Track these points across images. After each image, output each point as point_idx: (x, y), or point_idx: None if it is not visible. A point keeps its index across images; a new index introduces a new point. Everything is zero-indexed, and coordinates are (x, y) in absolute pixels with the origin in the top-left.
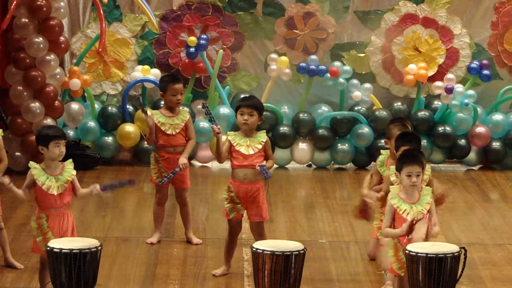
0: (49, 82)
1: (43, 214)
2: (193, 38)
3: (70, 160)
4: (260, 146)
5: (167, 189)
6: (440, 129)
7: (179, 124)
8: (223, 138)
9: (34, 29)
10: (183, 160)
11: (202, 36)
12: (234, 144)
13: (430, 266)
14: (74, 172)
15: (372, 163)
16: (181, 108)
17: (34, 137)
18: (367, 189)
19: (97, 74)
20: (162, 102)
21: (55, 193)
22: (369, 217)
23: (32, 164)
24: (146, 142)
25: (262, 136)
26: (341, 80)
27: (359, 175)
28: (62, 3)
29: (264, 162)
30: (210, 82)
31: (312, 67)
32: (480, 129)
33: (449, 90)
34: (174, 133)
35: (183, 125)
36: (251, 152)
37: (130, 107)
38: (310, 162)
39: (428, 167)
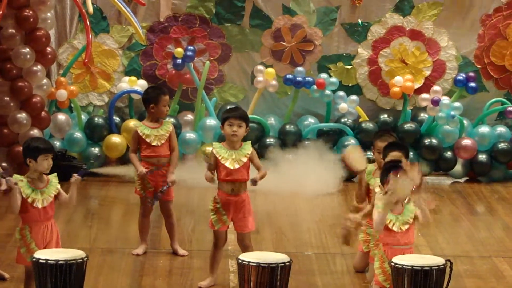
0: (35, 93)
1: (27, 225)
2: (180, 50)
3: (55, 174)
4: (245, 159)
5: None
6: (426, 141)
7: (164, 135)
8: (208, 148)
9: (21, 39)
10: (171, 177)
11: (189, 47)
12: (219, 158)
13: (416, 278)
14: (59, 186)
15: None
16: (164, 119)
17: (22, 148)
18: (353, 211)
19: (84, 85)
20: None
21: (40, 206)
22: (347, 242)
23: (17, 177)
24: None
25: (247, 148)
26: (327, 92)
27: (346, 187)
28: (49, 14)
29: (256, 174)
30: (197, 94)
31: (299, 79)
32: (466, 142)
33: (436, 102)
34: (159, 144)
35: (167, 135)
36: (237, 166)
37: (116, 118)
38: None
39: None
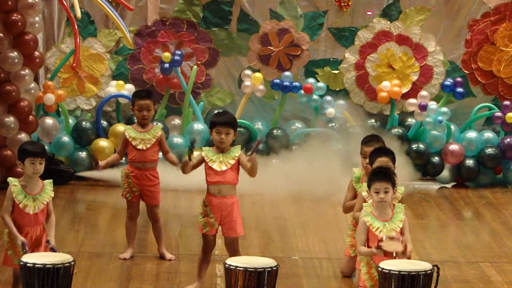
0: (23, 97)
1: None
2: (167, 54)
3: (51, 181)
4: (233, 162)
5: (138, 204)
6: (414, 146)
7: (150, 139)
8: (195, 153)
9: (9, 43)
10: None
11: (177, 52)
12: (207, 160)
13: (403, 283)
14: (53, 194)
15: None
16: (154, 124)
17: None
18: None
19: (72, 89)
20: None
21: (31, 212)
22: None
23: (11, 180)
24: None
25: (235, 151)
26: (315, 96)
27: (333, 192)
28: (37, 18)
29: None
30: (184, 98)
31: (286, 83)
32: (454, 147)
33: (423, 108)
34: (144, 148)
35: (154, 140)
36: (224, 168)
37: (104, 122)
38: None
39: (401, 186)
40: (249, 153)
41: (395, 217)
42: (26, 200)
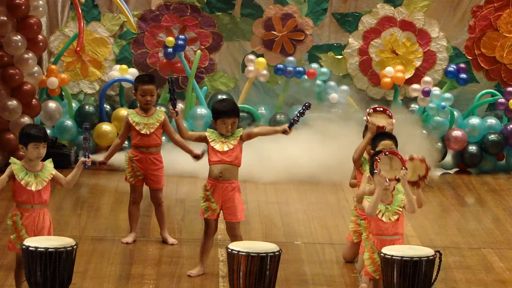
0: (26, 80)
1: (18, 212)
2: (171, 39)
3: (50, 159)
4: (235, 142)
5: (142, 189)
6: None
7: (153, 123)
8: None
9: (13, 27)
10: (196, 152)
11: (180, 36)
12: (210, 140)
13: (405, 269)
14: (54, 171)
15: None
16: (157, 108)
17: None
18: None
19: (75, 73)
20: None
21: (33, 189)
22: None
23: (13, 159)
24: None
25: (238, 133)
26: (318, 82)
27: (336, 176)
28: (40, 2)
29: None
30: (188, 83)
31: (290, 68)
32: (457, 133)
33: (426, 93)
34: (148, 132)
35: (158, 124)
36: (226, 148)
37: (107, 106)
38: None
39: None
40: (291, 124)
41: (395, 199)
42: (28, 177)
